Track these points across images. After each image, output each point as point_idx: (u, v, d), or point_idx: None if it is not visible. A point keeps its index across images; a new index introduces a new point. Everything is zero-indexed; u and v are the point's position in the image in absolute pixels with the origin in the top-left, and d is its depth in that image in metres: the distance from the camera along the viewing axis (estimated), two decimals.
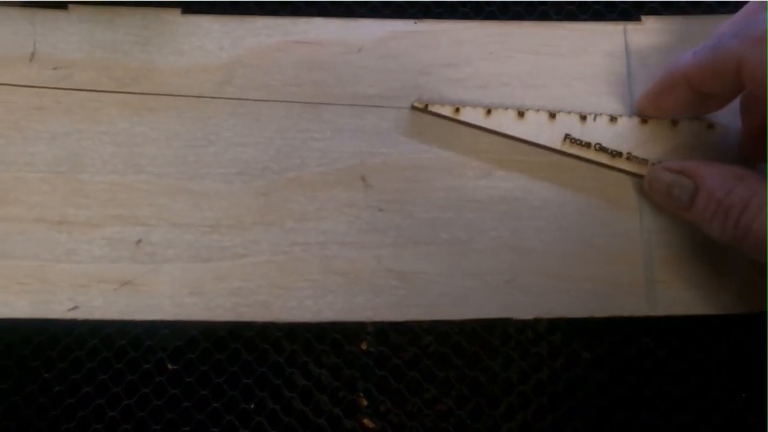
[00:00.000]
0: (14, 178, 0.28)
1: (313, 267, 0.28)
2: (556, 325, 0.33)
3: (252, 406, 0.33)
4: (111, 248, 0.28)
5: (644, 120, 0.30)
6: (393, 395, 0.33)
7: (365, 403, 0.33)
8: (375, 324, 0.34)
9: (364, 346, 0.34)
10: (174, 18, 0.31)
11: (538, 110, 0.30)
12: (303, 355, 0.33)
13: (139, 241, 0.28)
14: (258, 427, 0.32)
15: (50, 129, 0.29)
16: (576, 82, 0.31)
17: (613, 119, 0.30)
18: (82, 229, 0.28)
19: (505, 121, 0.29)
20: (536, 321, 0.32)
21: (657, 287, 0.28)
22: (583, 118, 0.29)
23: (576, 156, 0.29)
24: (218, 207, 0.28)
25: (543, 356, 0.32)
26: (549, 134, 0.29)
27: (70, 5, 0.31)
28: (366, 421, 0.33)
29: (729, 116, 0.29)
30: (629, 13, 0.33)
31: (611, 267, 0.28)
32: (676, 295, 0.28)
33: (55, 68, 0.30)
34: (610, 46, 0.31)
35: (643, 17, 0.32)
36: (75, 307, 0.27)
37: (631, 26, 0.32)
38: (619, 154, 0.29)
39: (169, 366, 0.34)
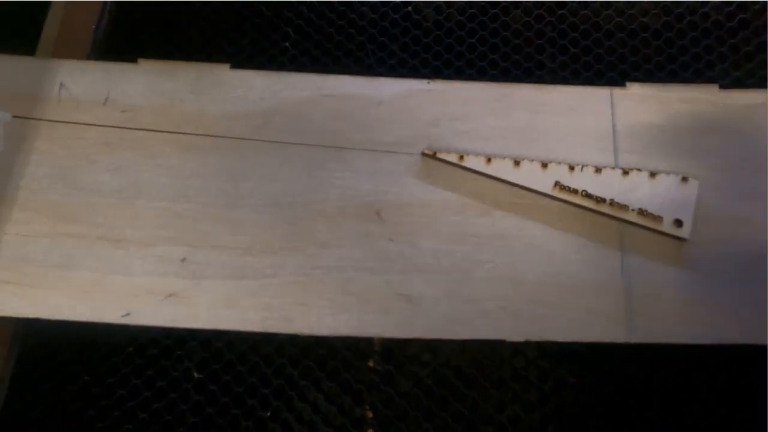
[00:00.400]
0: (83, 201, 0.34)
1: (331, 288, 0.32)
2: (545, 351, 0.36)
3: (268, 413, 0.37)
4: (160, 264, 0.32)
5: (626, 171, 0.34)
6: (396, 409, 0.36)
7: (371, 415, 0.36)
8: (382, 344, 0.37)
9: (371, 364, 0.37)
10: (224, 72, 0.37)
11: (532, 160, 0.34)
12: (317, 370, 0.37)
13: (183, 260, 0.32)
14: None
15: (115, 161, 0.35)
16: (567, 137, 0.35)
17: (598, 170, 0.34)
18: (136, 247, 0.33)
19: (503, 169, 0.34)
20: (527, 347, 0.35)
21: (635, 317, 0.32)
22: (572, 168, 0.34)
23: (564, 200, 0.33)
24: (252, 233, 0.33)
25: (532, 380, 0.35)
26: (541, 181, 0.33)
27: (140, 60, 0.37)
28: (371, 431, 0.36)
29: (703, 171, 0.34)
30: (615, 80, 0.37)
31: (595, 298, 0.32)
32: (653, 325, 0.31)
33: (123, 111, 0.36)
34: (597, 108, 0.36)
35: (627, 83, 0.36)
36: (127, 314, 0.31)
37: (617, 90, 0.36)
38: (602, 200, 0.33)
39: (195, 375, 0.38)
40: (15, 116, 0.36)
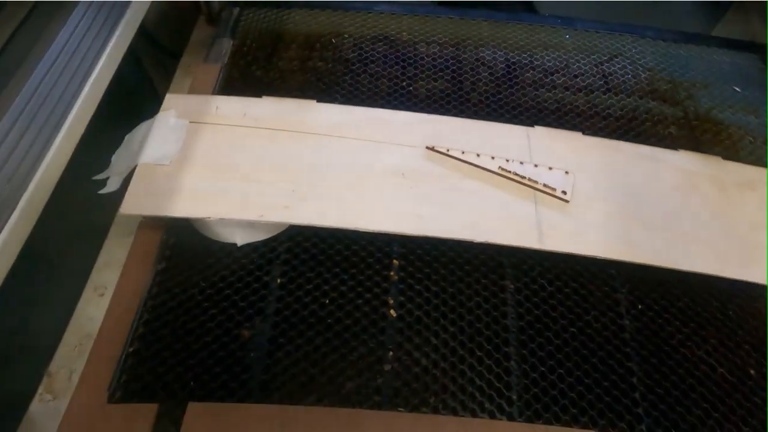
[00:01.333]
0: (231, 161, 0.59)
1: (378, 207, 0.57)
2: (495, 269, 0.60)
3: (327, 301, 0.58)
4: (278, 192, 0.57)
5: (536, 165, 0.62)
6: (408, 298, 0.58)
7: (391, 301, 0.58)
8: (398, 265, 0.60)
9: (392, 274, 0.60)
10: (311, 104, 0.65)
11: (486, 155, 0.62)
12: (359, 274, 0.59)
13: (293, 190, 0.57)
14: (327, 312, 0.57)
15: (251, 144, 0.60)
16: (505, 148, 0.64)
17: (522, 163, 0.62)
18: (266, 184, 0.57)
19: (470, 157, 0.61)
20: (486, 267, 0.60)
21: (543, 236, 0.57)
22: (508, 160, 0.62)
23: (505, 176, 0.61)
24: (332, 180, 0.58)
25: (487, 285, 0.59)
26: (491, 165, 0.61)
27: (263, 96, 0.65)
28: (391, 311, 0.57)
29: (575, 171, 0.62)
30: (530, 124, 0.68)
31: (521, 226, 0.58)
32: (552, 242, 0.57)
33: (255, 120, 0.62)
34: (520, 134, 0.65)
35: (535, 126, 0.67)
36: (261, 216, 0.55)
37: (530, 129, 0.66)
38: (524, 177, 0.61)
39: (279, 280, 0.59)
40: (191, 122, 0.62)
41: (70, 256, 0.68)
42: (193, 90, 0.72)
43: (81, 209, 0.67)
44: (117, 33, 0.64)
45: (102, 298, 0.60)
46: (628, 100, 0.79)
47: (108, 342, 0.54)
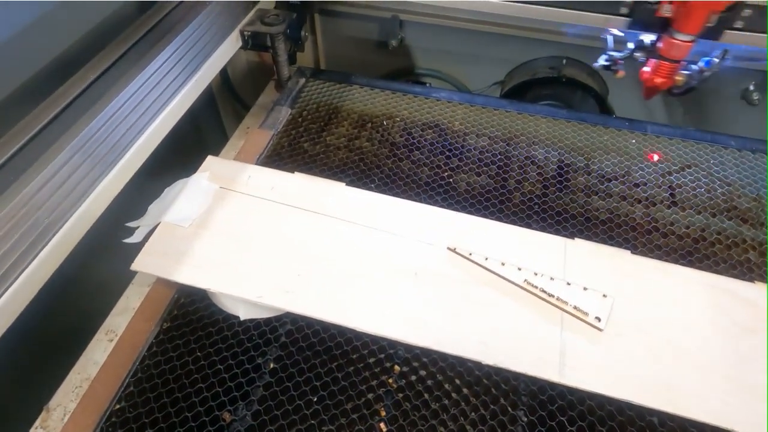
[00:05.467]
0: (247, 232, 0.58)
1: (381, 302, 0.53)
2: (507, 395, 0.53)
3: (315, 399, 0.53)
4: (284, 274, 0.54)
5: (569, 283, 0.56)
6: (402, 411, 0.52)
7: (384, 413, 0.52)
8: (399, 371, 0.55)
9: (390, 381, 0.55)
10: (340, 186, 0.64)
11: (512, 264, 0.57)
12: (353, 375, 0.55)
13: (299, 275, 0.54)
14: (312, 411, 0.53)
15: (268, 217, 0.60)
16: (537, 259, 0.58)
17: (552, 278, 0.56)
18: (273, 263, 0.55)
19: (494, 265, 0.56)
20: (496, 387, 0.53)
21: (564, 368, 0.50)
22: (536, 273, 0.56)
23: (529, 291, 0.55)
24: (339, 274, 0.55)
25: (497, 412, 0.52)
26: (516, 277, 0.55)
27: (296, 172, 0.65)
28: (381, 425, 0.52)
29: (618, 292, 0.55)
30: (570, 236, 0.62)
31: (541, 352, 0.51)
32: (575, 375, 0.50)
33: (281, 194, 0.62)
34: (556, 248, 0.59)
35: (576, 238, 0.60)
36: (260, 297, 0.52)
37: (569, 241, 0.60)
38: (552, 296, 0.54)
39: (272, 365, 0.56)
40: (221, 187, 0.63)
41: (93, 296, 0.70)
42: (242, 153, 0.74)
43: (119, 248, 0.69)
44: (198, 74, 0.69)
45: (111, 344, 0.61)
46: (697, 216, 0.70)
47: (100, 393, 0.54)
